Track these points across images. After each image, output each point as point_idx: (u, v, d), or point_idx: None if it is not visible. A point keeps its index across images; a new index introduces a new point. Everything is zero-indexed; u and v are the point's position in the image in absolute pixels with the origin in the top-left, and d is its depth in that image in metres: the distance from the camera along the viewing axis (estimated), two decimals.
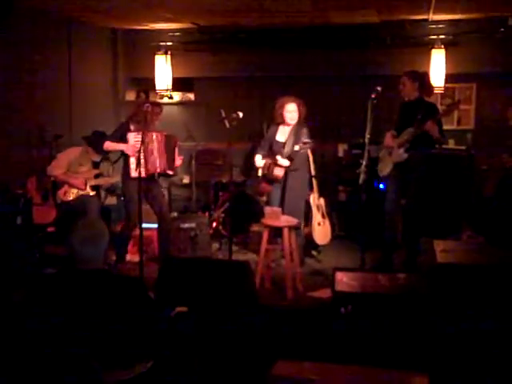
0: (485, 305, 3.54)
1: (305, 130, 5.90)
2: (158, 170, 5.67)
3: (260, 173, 6.06)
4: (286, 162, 5.82)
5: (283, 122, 5.98)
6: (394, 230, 5.85)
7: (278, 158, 5.83)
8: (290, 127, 5.96)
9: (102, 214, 6.04)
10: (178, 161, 5.93)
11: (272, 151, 6.02)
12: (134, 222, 5.58)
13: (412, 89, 5.71)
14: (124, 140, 5.59)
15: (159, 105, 5.90)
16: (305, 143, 5.63)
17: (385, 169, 5.82)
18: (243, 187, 7.50)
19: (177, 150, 5.89)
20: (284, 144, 5.93)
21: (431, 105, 5.80)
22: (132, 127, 5.66)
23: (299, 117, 5.92)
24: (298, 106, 5.89)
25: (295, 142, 5.79)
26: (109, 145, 5.68)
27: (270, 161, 5.96)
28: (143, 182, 5.39)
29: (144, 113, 5.28)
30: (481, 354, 3.29)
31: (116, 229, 6.14)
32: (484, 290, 3.61)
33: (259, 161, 6.05)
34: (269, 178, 5.97)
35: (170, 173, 5.83)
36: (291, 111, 5.88)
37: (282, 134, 6.03)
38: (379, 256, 5.76)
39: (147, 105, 5.32)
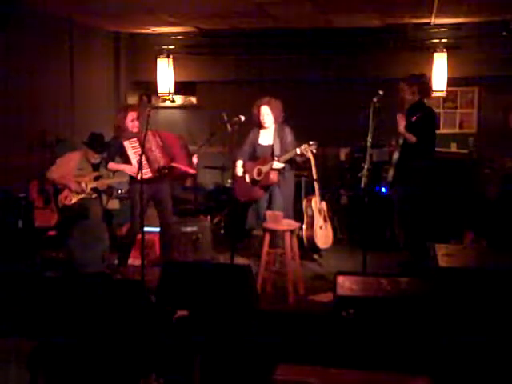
0: (487, 309, 3.52)
1: (287, 130, 5.91)
2: (162, 164, 5.57)
3: (248, 179, 6.00)
4: (281, 165, 5.80)
5: (262, 126, 5.96)
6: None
7: (275, 162, 5.78)
8: (272, 129, 5.95)
9: (104, 218, 6.02)
10: (194, 158, 5.83)
11: (255, 155, 6.02)
12: (138, 225, 5.56)
13: (411, 94, 5.72)
14: (122, 152, 5.59)
15: (131, 107, 6.02)
16: (309, 145, 5.62)
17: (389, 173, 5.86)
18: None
19: (185, 147, 5.84)
20: (272, 147, 5.90)
21: (428, 108, 5.81)
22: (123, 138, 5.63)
23: (275, 119, 5.88)
24: (272, 109, 5.85)
25: (282, 144, 5.82)
26: (113, 166, 5.72)
27: (259, 166, 5.91)
28: (151, 185, 5.42)
29: (121, 121, 5.57)
30: (483, 358, 3.28)
31: (118, 232, 6.13)
32: (486, 294, 3.60)
33: (240, 168, 6.01)
34: (263, 184, 5.93)
35: (191, 171, 5.75)
36: (264, 114, 5.86)
37: (265, 138, 6.00)
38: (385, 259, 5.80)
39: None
